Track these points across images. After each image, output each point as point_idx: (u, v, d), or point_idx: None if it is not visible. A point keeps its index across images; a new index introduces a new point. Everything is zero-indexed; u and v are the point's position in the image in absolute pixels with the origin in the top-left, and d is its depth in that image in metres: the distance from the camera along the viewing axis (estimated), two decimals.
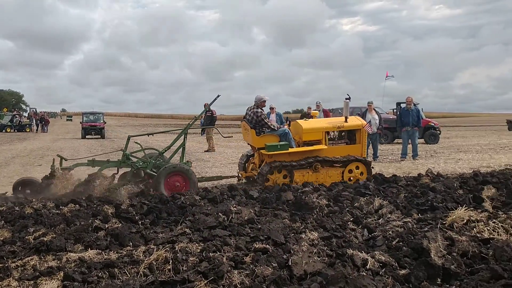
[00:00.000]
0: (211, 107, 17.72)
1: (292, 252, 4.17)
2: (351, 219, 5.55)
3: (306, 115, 16.51)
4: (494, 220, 5.27)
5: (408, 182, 7.89)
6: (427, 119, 22.18)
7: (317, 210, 5.92)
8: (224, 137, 10.28)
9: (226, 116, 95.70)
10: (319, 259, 3.99)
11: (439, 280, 3.62)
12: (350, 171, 8.98)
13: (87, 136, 31.60)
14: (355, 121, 9.55)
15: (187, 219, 5.41)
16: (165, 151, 8.90)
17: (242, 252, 4.19)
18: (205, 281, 3.51)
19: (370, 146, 14.20)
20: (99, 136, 31.51)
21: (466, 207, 5.75)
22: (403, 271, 3.78)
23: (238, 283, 3.51)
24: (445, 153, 15.99)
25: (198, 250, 4.21)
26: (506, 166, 11.28)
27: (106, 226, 5.18)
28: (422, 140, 19.86)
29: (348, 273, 3.54)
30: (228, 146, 20.58)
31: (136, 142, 9.22)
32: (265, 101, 9.21)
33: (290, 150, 8.68)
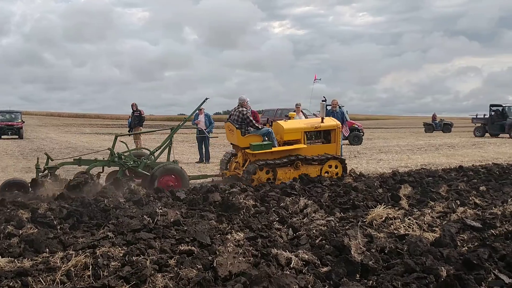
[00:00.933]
0: (139, 107, 17.30)
1: (217, 253, 4.15)
2: (277, 219, 5.65)
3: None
4: (410, 217, 5.60)
5: (332, 182, 8.17)
6: (351, 121, 23.06)
7: (244, 210, 5.96)
8: (210, 137, 11.16)
9: (155, 116, 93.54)
10: (244, 259, 4.01)
11: (358, 275, 3.77)
12: (330, 167, 9.49)
13: (2, 136, 29.58)
14: (330, 122, 10.09)
15: (110, 222, 5.22)
16: (156, 151, 8.98)
17: (167, 255, 4.11)
18: (127, 286, 3.41)
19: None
20: (17, 136, 29.60)
21: (385, 205, 6.07)
22: (325, 269, 3.90)
23: (161, 286, 3.45)
24: (368, 153, 16.74)
25: (121, 255, 4.07)
26: (422, 166, 12.05)
27: (20, 232, 4.87)
28: (346, 141, 20.65)
29: (272, 272, 3.59)
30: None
31: (121, 141, 9.12)
32: (247, 101, 9.44)
33: (274, 149, 9.03)
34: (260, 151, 8.89)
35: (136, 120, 17.14)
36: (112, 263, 3.83)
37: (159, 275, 3.58)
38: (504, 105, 30.06)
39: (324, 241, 4.67)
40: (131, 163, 8.47)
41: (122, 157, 8.48)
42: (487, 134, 30.29)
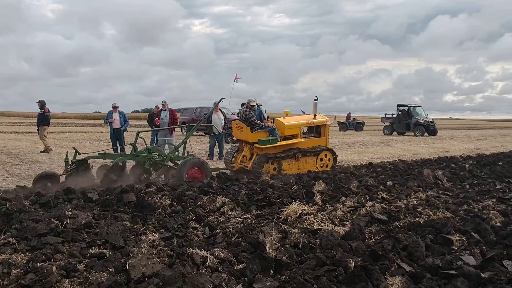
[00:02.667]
0: (49, 105, 16.35)
1: (131, 255, 4.03)
2: (194, 218, 5.59)
3: (153, 115, 16.20)
4: (322, 212, 5.81)
5: (250, 180, 8.24)
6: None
7: (160, 210, 5.84)
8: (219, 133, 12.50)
9: (69, 114, 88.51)
10: (158, 260, 3.92)
11: (272, 271, 3.84)
12: (321, 159, 10.84)
13: None
14: (321, 118, 11.44)
15: (12, 227, 4.84)
16: (180, 146, 9.77)
17: (76, 259, 3.92)
18: None
19: (216, 145, 14.53)
20: None
21: (300, 202, 6.24)
22: (240, 266, 3.92)
23: None
24: None
25: (24, 261, 3.81)
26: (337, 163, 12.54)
27: None
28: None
29: (187, 272, 3.54)
30: (69, 146, 19.10)
31: (140, 137, 9.54)
32: (255, 102, 10.57)
33: (278, 143, 10.25)
34: (267, 146, 10.05)
35: (40, 119, 16.13)
36: (14, 271, 3.57)
37: (66, 281, 3.39)
38: (409, 105, 32.27)
39: (240, 239, 4.70)
40: (157, 157, 9.13)
41: (150, 151, 9.19)
42: (395, 133, 32.34)
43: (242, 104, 23.35)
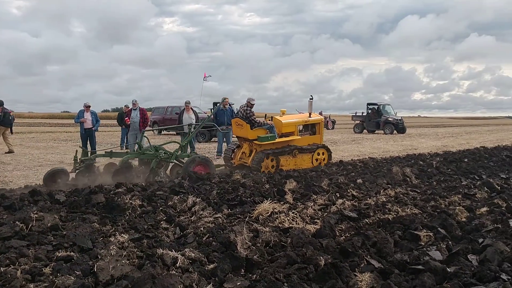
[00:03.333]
0: (5, 106, 15.84)
1: (99, 257, 3.95)
2: (164, 218, 5.53)
3: (123, 114, 15.97)
4: (294, 211, 5.84)
5: (221, 179, 8.22)
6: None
7: (130, 211, 5.75)
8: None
9: (36, 114, 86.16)
10: (128, 262, 3.86)
11: (243, 270, 3.84)
12: (318, 154, 11.33)
13: None
14: (316, 116, 11.99)
15: None
16: (185, 144, 10.11)
17: (42, 263, 3.81)
18: None
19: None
20: None
21: (271, 200, 6.25)
22: (211, 266, 3.90)
23: None
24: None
25: None
26: None
27: None
28: (236, 139, 20.95)
29: (157, 273, 3.51)
30: (36, 147, 18.65)
31: (144, 136, 10.10)
32: (254, 101, 10.94)
33: (276, 140, 10.69)
34: (266, 142, 10.51)
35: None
36: None
37: (32, 286, 3.30)
38: (379, 103, 32.82)
39: (211, 238, 4.68)
40: (163, 155, 9.47)
41: (158, 149, 9.55)
42: (365, 131, 32.83)
43: (214, 103, 23.30)
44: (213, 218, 5.54)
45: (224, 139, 14.87)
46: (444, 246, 4.33)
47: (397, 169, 9.36)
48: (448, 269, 3.62)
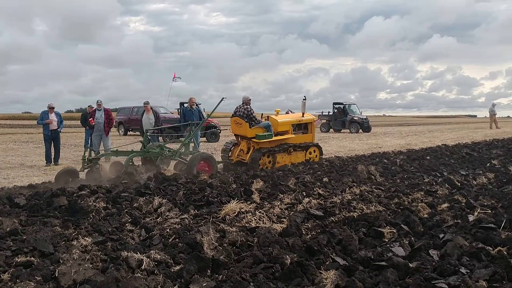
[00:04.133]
0: None
1: (61, 261, 3.85)
2: (130, 220, 5.45)
3: (87, 115, 15.62)
4: (260, 210, 5.86)
5: (188, 180, 8.15)
6: (208, 119, 23.36)
7: (94, 214, 5.63)
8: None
9: None
10: (91, 265, 3.78)
11: (209, 271, 3.82)
12: (310, 153, 11.92)
13: None
14: (308, 116, 12.50)
15: None
16: (188, 143, 10.61)
17: (0, 269, 3.68)
18: None
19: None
20: None
21: (238, 200, 6.25)
22: (177, 267, 3.86)
23: None
24: None
25: None
26: None
27: None
28: (204, 139, 20.87)
29: (121, 276, 3.44)
30: None
31: (148, 136, 10.58)
32: (250, 99, 11.43)
33: (273, 138, 11.18)
34: (264, 140, 10.95)
35: None
36: None
37: None
38: (344, 103, 33.33)
39: (177, 240, 4.63)
40: (168, 152, 9.95)
41: (164, 148, 10.11)
42: (331, 130, 33.27)
43: (181, 104, 23.09)
44: (180, 219, 5.50)
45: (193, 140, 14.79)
46: (407, 242, 4.43)
47: (362, 167, 9.51)
48: (410, 265, 3.71)
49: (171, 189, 7.25)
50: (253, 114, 11.20)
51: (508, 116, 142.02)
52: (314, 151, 12.11)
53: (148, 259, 3.91)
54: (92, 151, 9.99)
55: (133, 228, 5.20)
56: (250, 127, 11.03)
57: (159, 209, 5.97)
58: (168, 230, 5.02)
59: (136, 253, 4.02)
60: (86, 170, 9.55)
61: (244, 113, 11.20)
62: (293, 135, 11.89)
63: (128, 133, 27.60)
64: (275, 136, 11.32)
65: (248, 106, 11.30)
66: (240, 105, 11.51)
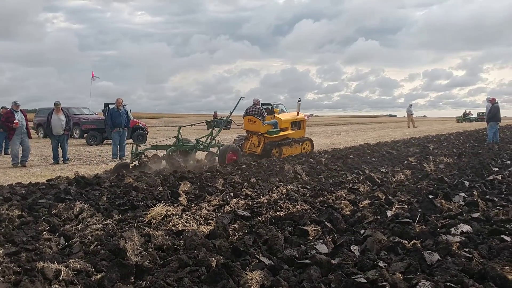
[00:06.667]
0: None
1: None
2: (47, 228, 5.15)
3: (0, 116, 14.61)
4: (187, 213, 5.78)
5: (112, 183, 7.87)
6: (134, 120, 22.80)
7: (6, 223, 5.26)
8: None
9: None
10: (2, 279, 3.53)
11: (132, 278, 3.70)
12: (304, 147, 14.53)
13: None
14: (301, 115, 15.13)
15: None
16: (214, 138, 12.30)
17: None
18: None
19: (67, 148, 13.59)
20: None
21: (164, 203, 6.12)
22: (99, 276, 3.70)
23: None
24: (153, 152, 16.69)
25: None
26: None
27: None
28: (130, 140, 20.28)
29: None
30: None
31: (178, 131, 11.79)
32: (260, 100, 13.92)
33: (280, 134, 13.76)
34: (274, 135, 13.45)
35: None
36: None
37: None
38: (272, 104, 33.79)
39: (99, 247, 4.44)
40: (200, 146, 11.76)
41: (199, 141, 11.78)
42: None
43: (105, 104, 22.29)
44: (102, 225, 5.28)
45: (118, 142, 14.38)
46: (330, 239, 4.57)
47: (289, 167, 9.70)
48: (333, 261, 3.83)
49: (94, 193, 6.96)
50: (264, 113, 13.43)
51: (424, 116, 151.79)
52: (307, 144, 14.71)
53: (66, 269, 3.71)
54: (137, 146, 11.47)
55: (51, 236, 4.92)
56: (262, 125, 13.28)
57: (80, 215, 5.70)
58: (89, 237, 4.80)
59: (54, 263, 3.80)
60: (133, 163, 11.03)
61: (258, 113, 13.41)
62: (292, 131, 14.44)
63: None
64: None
65: (259, 107, 13.57)
66: (251, 106, 13.60)
